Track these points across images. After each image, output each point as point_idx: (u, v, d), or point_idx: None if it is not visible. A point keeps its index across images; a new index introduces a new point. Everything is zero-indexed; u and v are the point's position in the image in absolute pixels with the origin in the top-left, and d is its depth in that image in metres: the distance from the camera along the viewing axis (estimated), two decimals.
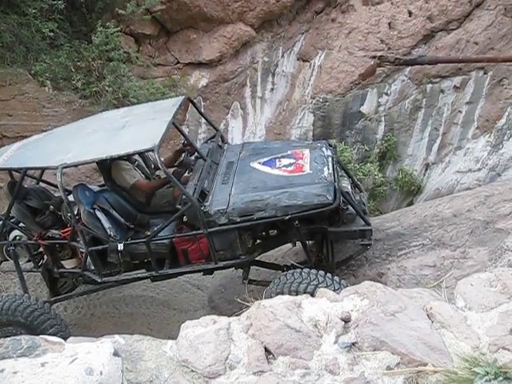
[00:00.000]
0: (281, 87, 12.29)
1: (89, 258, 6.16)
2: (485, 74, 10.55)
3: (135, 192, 6.78)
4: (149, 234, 6.13)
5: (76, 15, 11.21)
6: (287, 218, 5.63)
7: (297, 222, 5.70)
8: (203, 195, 5.93)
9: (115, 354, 2.36)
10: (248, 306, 3.02)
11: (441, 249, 5.94)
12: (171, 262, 6.19)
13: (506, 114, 10.37)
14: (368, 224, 5.90)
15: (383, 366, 2.53)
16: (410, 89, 11.05)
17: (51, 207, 6.76)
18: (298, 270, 5.46)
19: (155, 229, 6.13)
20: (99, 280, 6.27)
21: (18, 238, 6.71)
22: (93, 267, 6.30)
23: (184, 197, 5.80)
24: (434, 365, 2.50)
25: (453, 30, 10.82)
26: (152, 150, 5.63)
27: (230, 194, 5.91)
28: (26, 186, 7.04)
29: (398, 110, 11.17)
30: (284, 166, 6.28)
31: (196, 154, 6.78)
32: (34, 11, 10.31)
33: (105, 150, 5.85)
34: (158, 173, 7.42)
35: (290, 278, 5.34)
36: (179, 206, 5.91)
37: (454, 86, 10.79)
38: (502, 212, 5.82)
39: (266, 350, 2.65)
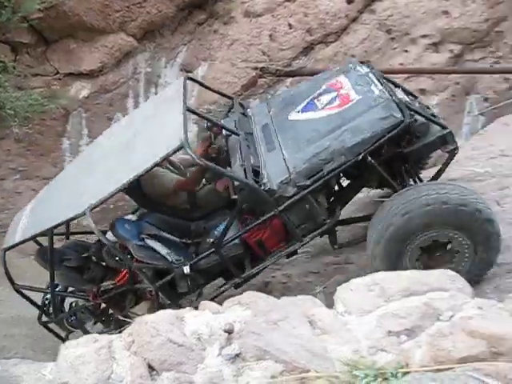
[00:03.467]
0: None
1: (160, 294, 5.40)
2: None
3: (177, 198, 5.94)
4: (212, 240, 5.39)
5: None
6: (360, 157, 4.86)
7: (369, 158, 4.88)
8: (256, 173, 5.11)
9: None
10: (130, 323, 2.95)
11: (324, 255, 6.09)
12: (250, 260, 5.39)
13: None
14: (445, 127, 5.12)
15: (267, 375, 2.53)
16: None
17: (93, 258, 5.94)
18: (413, 185, 4.93)
19: (216, 231, 5.40)
20: None
21: (74, 304, 5.95)
22: (168, 301, 5.51)
23: (237, 183, 5.07)
24: (316, 371, 2.54)
25: (331, 42, 11.14)
26: (182, 147, 4.85)
27: (284, 159, 5.12)
28: (56, 247, 6.04)
29: None
30: (327, 103, 5.49)
31: (224, 132, 5.85)
32: None
33: (128, 171, 5.10)
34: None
35: (411, 193, 4.64)
36: (235, 197, 5.12)
37: None
38: None
39: (150, 366, 2.59)
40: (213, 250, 5.16)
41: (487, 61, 10.02)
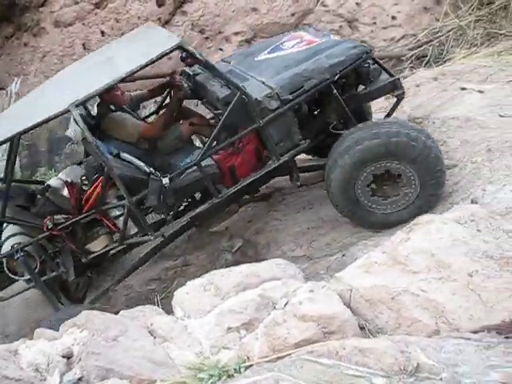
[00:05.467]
0: None
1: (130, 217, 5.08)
2: None
3: (139, 143, 5.58)
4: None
5: None
6: (336, 77, 5.09)
7: (334, 90, 5.17)
8: None
9: None
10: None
11: (163, 261, 6.06)
12: (222, 185, 5.30)
13: None
14: (393, 75, 5.52)
15: None
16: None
17: (38, 196, 5.41)
18: (366, 122, 5.25)
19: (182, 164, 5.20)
20: (152, 237, 5.16)
21: (16, 246, 5.22)
22: (133, 231, 5.23)
23: (222, 96, 5.02)
24: (162, 380, 2.53)
25: None
26: (180, 47, 4.87)
27: (263, 82, 5.19)
28: None
29: None
30: (294, 45, 5.63)
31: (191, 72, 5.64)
32: None
33: (117, 72, 4.86)
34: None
35: (363, 128, 5.00)
36: (219, 111, 5.15)
37: None
38: None
39: None
40: (194, 163, 5.05)
41: None
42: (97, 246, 5.42)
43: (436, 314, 2.55)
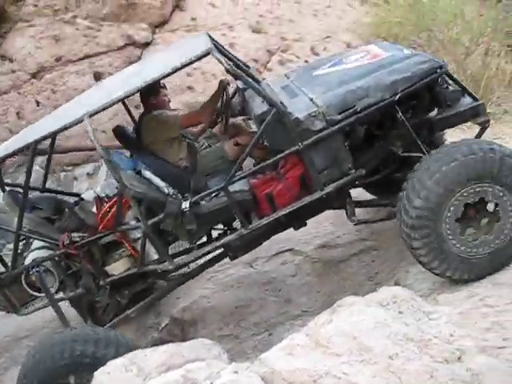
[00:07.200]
0: None
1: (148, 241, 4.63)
2: None
3: (179, 150, 5.16)
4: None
5: None
6: (397, 97, 4.34)
7: (400, 114, 4.40)
8: None
9: None
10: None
11: None
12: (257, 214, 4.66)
13: None
14: (476, 99, 4.72)
15: None
16: (48, 178, 10.98)
17: (66, 210, 5.05)
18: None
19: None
20: (170, 266, 4.67)
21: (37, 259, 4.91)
22: (153, 256, 4.78)
23: (258, 112, 4.52)
24: None
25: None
26: (209, 53, 4.34)
27: (311, 99, 4.52)
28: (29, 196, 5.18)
29: None
30: (358, 59, 4.90)
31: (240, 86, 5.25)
32: None
33: (143, 79, 4.57)
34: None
35: (454, 146, 4.18)
36: (255, 129, 4.80)
37: (87, 173, 11.02)
38: None
39: None
40: (221, 186, 4.53)
41: None
42: (117, 268, 5.02)
43: None
